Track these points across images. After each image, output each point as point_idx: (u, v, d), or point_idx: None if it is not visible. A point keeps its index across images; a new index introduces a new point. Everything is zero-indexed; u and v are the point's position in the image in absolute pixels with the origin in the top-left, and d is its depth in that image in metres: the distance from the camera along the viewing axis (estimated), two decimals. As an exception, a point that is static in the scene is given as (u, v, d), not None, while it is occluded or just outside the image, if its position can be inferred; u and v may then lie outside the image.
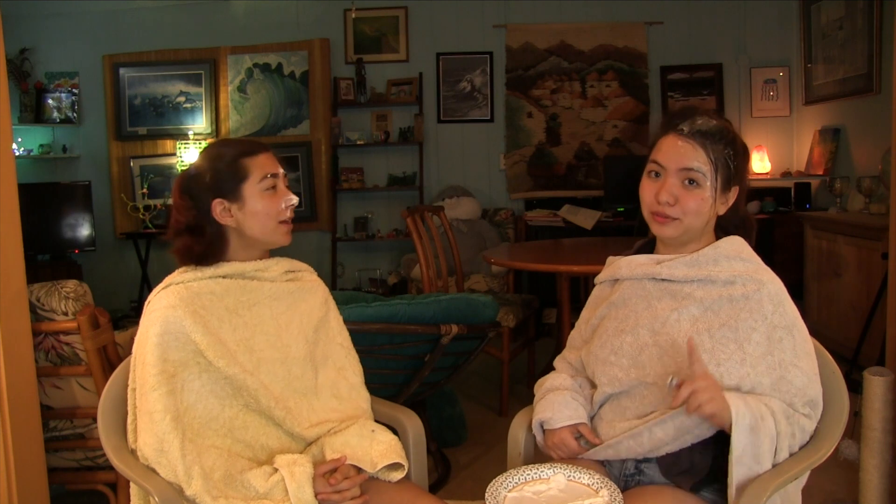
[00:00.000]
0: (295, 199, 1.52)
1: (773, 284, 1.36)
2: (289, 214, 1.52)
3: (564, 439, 1.46)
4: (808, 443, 1.34)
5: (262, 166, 1.48)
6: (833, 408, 1.40)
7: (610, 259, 1.57)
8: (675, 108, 5.37)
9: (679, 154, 1.35)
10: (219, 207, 1.46)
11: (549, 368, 1.66)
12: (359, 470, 1.44)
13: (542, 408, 1.51)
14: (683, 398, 1.23)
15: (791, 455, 1.31)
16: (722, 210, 1.40)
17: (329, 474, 1.40)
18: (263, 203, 1.47)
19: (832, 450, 1.35)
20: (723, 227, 1.45)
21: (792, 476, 1.28)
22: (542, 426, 1.51)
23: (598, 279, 1.59)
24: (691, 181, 1.35)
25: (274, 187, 1.49)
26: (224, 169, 1.46)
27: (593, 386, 1.50)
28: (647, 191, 1.40)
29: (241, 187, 1.46)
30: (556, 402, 1.49)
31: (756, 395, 1.30)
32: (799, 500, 1.39)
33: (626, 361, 1.41)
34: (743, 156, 1.40)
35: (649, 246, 1.53)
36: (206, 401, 1.39)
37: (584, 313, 1.60)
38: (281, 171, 1.52)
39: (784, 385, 1.30)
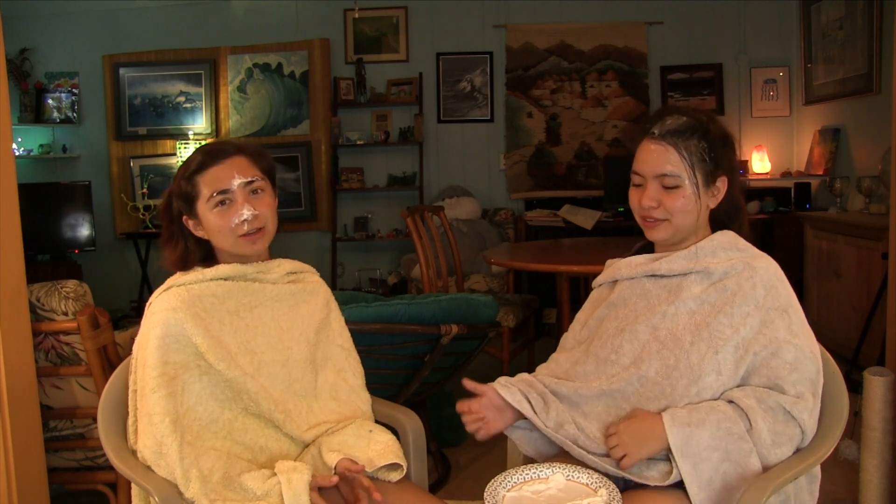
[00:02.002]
0: (246, 215, 1.43)
1: (767, 270, 1.37)
2: (246, 228, 1.44)
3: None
4: (807, 439, 1.32)
5: (212, 183, 1.43)
6: (833, 408, 1.40)
7: (609, 262, 1.58)
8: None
9: (653, 160, 1.39)
10: (190, 223, 1.49)
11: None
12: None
13: None
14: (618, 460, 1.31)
15: (795, 447, 1.30)
16: (713, 203, 1.42)
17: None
18: (215, 220, 1.44)
19: (832, 450, 1.35)
20: (715, 218, 1.45)
21: (792, 476, 1.28)
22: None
23: (596, 282, 1.59)
24: (668, 185, 1.38)
25: (223, 202, 1.44)
26: (184, 188, 1.46)
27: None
28: (633, 199, 1.44)
29: (196, 206, 1.46)
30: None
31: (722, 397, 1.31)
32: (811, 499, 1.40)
33: (626, 360, 1.41)
34: (722, 145, 1.41)
35: (649, 247, 1.54)
36: (206, 403, 1.39)
37: (581, 315, 1.60)
38: (236, 182, 1.43)
39: (774, 361, 1.30)
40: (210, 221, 1.45)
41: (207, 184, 1.44)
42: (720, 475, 1.26)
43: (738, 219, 1.47)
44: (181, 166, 1.50)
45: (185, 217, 1.49)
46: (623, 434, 1.31)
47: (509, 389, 1.45)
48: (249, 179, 1.45)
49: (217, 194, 1.43)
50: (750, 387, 1.31)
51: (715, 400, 1.31)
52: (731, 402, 1.30)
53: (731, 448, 1.26)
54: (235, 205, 1.44)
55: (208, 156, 1.46)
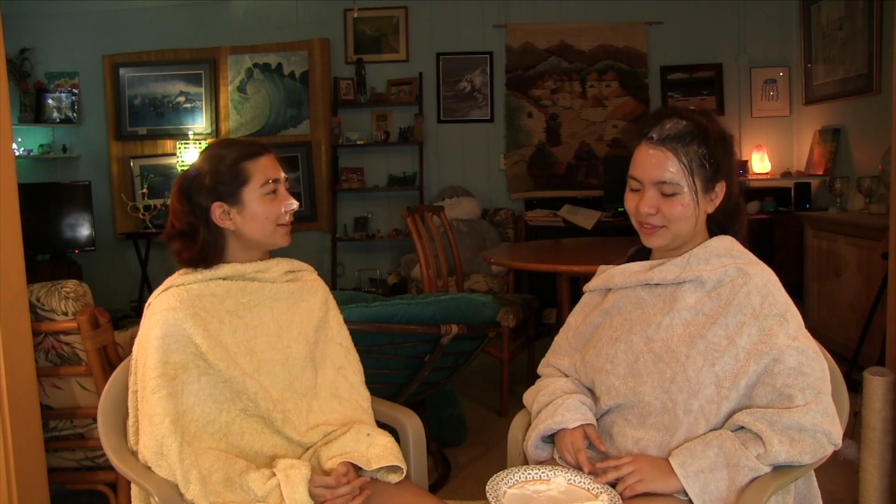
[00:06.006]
0: (295, 205, 1.53)
1: (761, 276, 1.35)
2: (288, 219, 1.52)
3: (575, 441, 1.40)
4: (835, 437, 1.28)
5: (264, 170, 1.48)
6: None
7: (601, 268, 1.56)
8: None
9: (651, 165, 1.35)
10: (218, 210, 1.46)
11: (546, 370, 1.64)
12: (358, 471, 1.44)
13: (549, 413, 1.45)
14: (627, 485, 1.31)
15: (812, 453, 1.27)
16: (711, 208, 1.40)
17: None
18: (263, 207, 1.47)
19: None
20: (713, 220, 1.44)
21: (792, 477, 1.28)
22: (541, 438, 1.48)
23: (588, 287, 1.57)
24: (667, 192, 1.35)
25: (275, 191, 1.49)
26: (225, 171, 1.46)
27: (592, 394, 1.49)
28: (630, 204, 1.41)
29: (242, 191, 1.46)
30: (565, 406, 1.44)
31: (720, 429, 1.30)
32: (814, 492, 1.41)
33: (621, 370, 1.40)
34: (722, 148, 1.38)
35: (643, 252, 1.52)
36: (203, 404, 1.39)
37: (572, 320, 1.58)
38: (282, 174, 1.52)
39: (778, 368, 1.28)
40: (255, 208, 1.46)
41: (260, 170, 1.47)
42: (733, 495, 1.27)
43: (737, 220, 1.45)
44: (214, 158, 1.47)
45: (216, 203, 1.45)
46: (641, 460, 1.32)
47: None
48: (287, 176, 1.55)
49: (271, 182, 1.49)
50: (759, 409, 1.28)
51: (721, 430, 1.30)
52: (741, 427, 1.29)
53: (743, 481, 1.26)
54: (282, 195, 1.51)
55: (251, 147, 1.50)
